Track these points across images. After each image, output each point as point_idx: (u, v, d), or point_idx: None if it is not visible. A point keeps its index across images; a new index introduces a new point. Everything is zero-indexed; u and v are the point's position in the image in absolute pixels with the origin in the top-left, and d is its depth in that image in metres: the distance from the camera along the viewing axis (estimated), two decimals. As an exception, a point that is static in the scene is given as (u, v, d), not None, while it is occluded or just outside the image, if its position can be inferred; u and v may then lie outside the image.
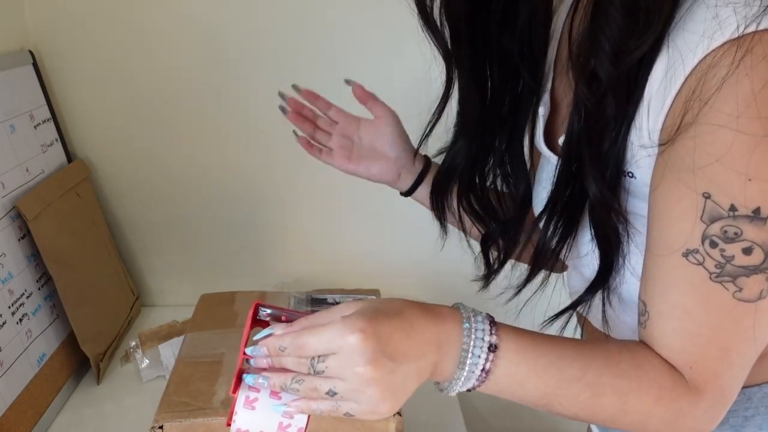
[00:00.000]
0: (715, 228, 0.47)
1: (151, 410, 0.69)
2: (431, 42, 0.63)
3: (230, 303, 0.91)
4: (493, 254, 0.75)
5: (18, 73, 1.09)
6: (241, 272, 1.33)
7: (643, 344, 0.55)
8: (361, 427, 0.67)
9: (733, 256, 0.47)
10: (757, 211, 0.45)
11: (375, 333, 0.48)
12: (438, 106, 0.67)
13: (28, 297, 1.00)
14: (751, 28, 0.43)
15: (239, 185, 1.26)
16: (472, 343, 0.52)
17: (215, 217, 1.29)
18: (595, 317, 0.67)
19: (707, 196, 0.47)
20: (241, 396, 0.54)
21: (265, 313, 0.56)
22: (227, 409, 0.68)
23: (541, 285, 0.67)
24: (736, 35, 0.43)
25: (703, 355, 0.51)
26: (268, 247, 1.31)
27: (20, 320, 0.97)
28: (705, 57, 0.45)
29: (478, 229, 0.76)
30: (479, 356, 0.52)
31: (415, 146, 0.79)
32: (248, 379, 0.53)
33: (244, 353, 0.53)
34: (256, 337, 0.54)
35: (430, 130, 0.69)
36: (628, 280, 0.59)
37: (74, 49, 1.16)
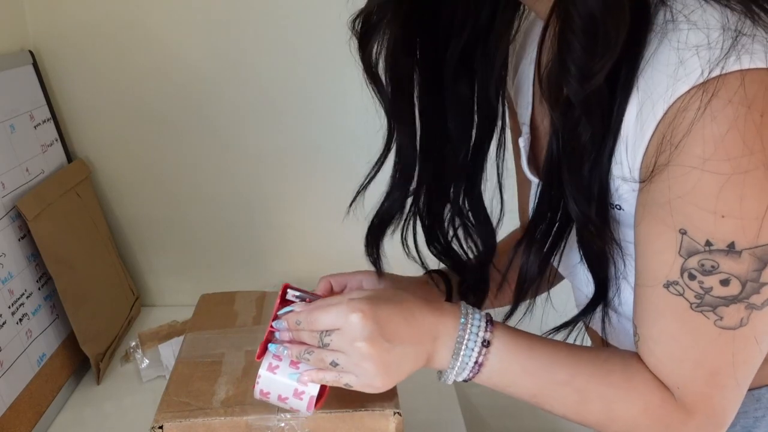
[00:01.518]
0: (693, 262, 0.49)
1: (151, 410, 0.69)
2: (375, 96, 0.65)
3: (230, 303, 0.91)
4: (470, 299, 0.77)
5: (18, 73, 1.09)
6: (241, 272, 1.33)
7: (638, 358, 0.56)
8: (361, 426, 0.67)
9: (712, 288, 0.49)
10: (731, 245, 0.47)
11: (374, 314, 0.56)
12: (379, 157, 0.69)
13: (28, 297, 1.00)
14: (715, 73, 0.44)
15: (239, 185, 1.26)
16: (467, 336, 0.57)
17: (215, 217, 1.29)
18: (599, 328, 0.68)
19: (683, 232, 0.48)
20: (265, 362, 0.64)
21: (292, 294, 0.66)
22: (227, 409, 0.68)
23: (526, 310, 0.68)
24: (701, 80, 0.44)
25: (691, 377, 0.53)
26: (268, 247, 1.31)
27: (20, 320, 0.97)
28: (673, 103, 0.46)
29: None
30: (473, 349, 0.57)
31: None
32: (272, 347, 0.63)
33: (271, 326, 0.64)
34: (279, 313, 0.64)
35: (367, 184, 0.70)
36: (628, 300, 0.60)
37: (74, 49, 1.16)
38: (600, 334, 0.67)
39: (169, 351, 1.09)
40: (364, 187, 0.71)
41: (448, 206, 0.73)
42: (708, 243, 0.47)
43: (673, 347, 0.53)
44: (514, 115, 0.75)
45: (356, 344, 0.56)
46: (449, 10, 0.64)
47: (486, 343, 0.57)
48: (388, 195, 0.71)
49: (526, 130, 0.68)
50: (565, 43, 0.49)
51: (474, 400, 1.46)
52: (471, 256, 0.75)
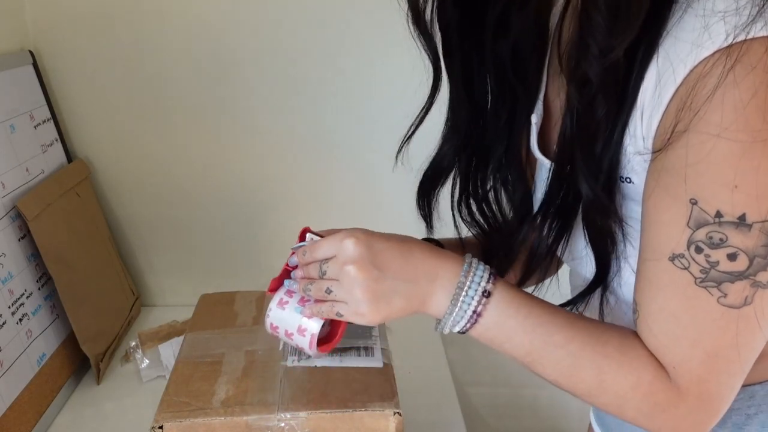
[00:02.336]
0: (701, 234, 0.48)
1: (151, 410, 0.69)
2: (421, 47, 0.63)
3: (230, 303, 0.91)
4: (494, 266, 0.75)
5: (18, 73, 1.09)
6: (241, 272, 1.33)
7: (636, 335, 0.56)
8: (361, 426, 0.67)
9: (718, 262, 0.48)
10: (742, 217, 0.46)
11: (367, 242, 0.57)
12: (422, 110, 0.67)
13: (28, 297, 1.00)
14: (741, 38, 0.43)
15: (239, 185, 1.27)
16: (468, 283, 0.57)
17: (215, 217, 1.29)
18: (595, 314, 0.67)
19: (694, 203, 0.48)
20: (276, 297, 0.67)
21: (310, 237, 0.66)
22: (227, 409, 0.68)
23: (534, 289, 0.68)
24: (725, 45, 0.44)
25: (687, 357, 0.52)
26: (268, 247, 1.31)
27: (20, 320, 0.97)
28: (695, 66, 0.45)
29: (475, 238, 0.76)
30: (473, 297, 0.56)
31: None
32: (286, 282, 0.67)
33: (287, 265, 0.66)
34: (291, 247, 0.65)
35: (411, 134, 0.69)
36: (628, 281, 0.60)
37: (74, 49, 1.16)
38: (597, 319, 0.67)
39: (169, 351, 1.09)
40: (406, 139, 0.69)
41: (485, 170, 0.71)
42: (718, 214, 0.47)
43: (672, 324, 0.52)
44: None
45: (346, 267, 0.57)
46: None
47: (486, 294, 0.56)
48: (440, 149, 0.70)
49: (539, 105, 0.67)
50: (586, 19, 0.49)
51: (474, 400, 1.46)
52: (502, 220, 0.73)
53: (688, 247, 0.49)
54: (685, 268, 0.49)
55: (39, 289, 1.03)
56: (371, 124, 1.23)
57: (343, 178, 1.27)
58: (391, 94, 1.20)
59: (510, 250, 0.72)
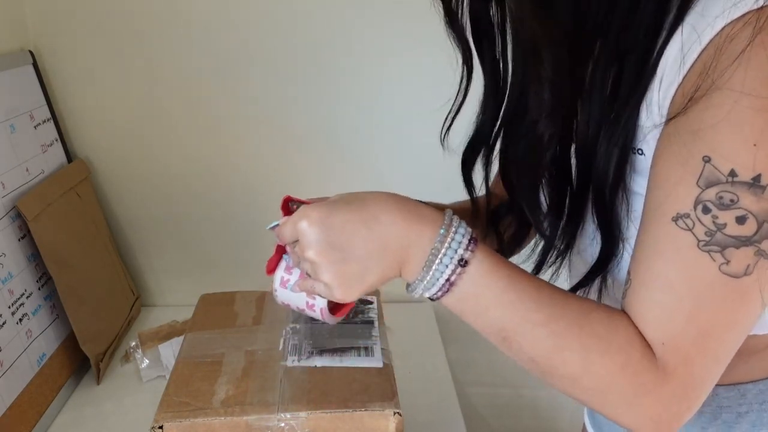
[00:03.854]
0: (711, 193, 0.46)
1: (151, 410, 0.69)
2: (452, 39, 0.62)
3: (230, 303, 0.91)
4: (508, 232, 0.72)
5: (18, 73, 1.09)
6: (241, 272, 1.33)
7: (623, 312, 0.52)
8: (360, 426, 0.67)
9: (725, 224, 0.46)
10: (757, 178, 0.45)
11: (322, 222, 0.52)
12: (457, 98, 0.66)
13: (28, 297, 1.00)
14: None
15: (239, 185, 1.27)
16: (443, 251, 0.51)
17: (215, 217, 1.29)
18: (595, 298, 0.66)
19: (707, 160, 0.46)
20: (277, 277, 0.65)
21: (293, 206, 0.65)
22: (227, 409, 0.68)
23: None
24: (756, 6, 0.43)
25: (679, 332, 0.49)
26: (268, 247, 1.31)
27: (20, 320, 0.97)
28: (724, 28, 0.45)
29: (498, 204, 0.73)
30: (447, 266, 0.51)
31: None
32: (285, 258, 0.65)
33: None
34: (267, 227, 0.64)
35: (451, 124, 0.67)
36: (627, 264, 0.58)
37: (74, 49, 1.16)
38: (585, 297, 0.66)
39: (169, 351, 1.09)
40: (448, 127, 0.67)
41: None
42: (732, 173, 0.45)
43: (667, 294, 0.49)
44: None
45: (307, 254, 0.53)
46: None
47: (463, 262, 0.51)
48: (480, 123, 0.67)
49: None
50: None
51: (474, 400, 1.46)
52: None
53: (695, 207, 0.47)
54: (689, 229, 0.47)
55: (39, 289, 1.03)
56: (376, 125, 1.23)
57: (346, 179, 1.27)
58: (397, 95, 1.20)
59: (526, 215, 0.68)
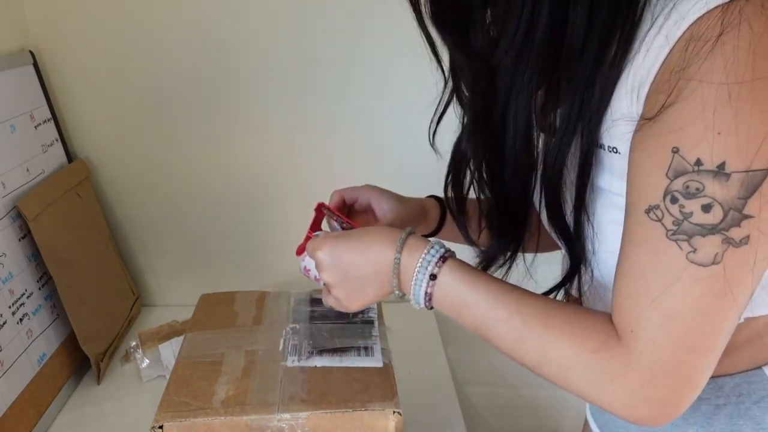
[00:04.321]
0: (678, 183, 0.47)
1: (151, 410, 0.69)
2: (431, 53, 0.65)
3: (230, 303, 0.91)
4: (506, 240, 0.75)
5: (18, 73, 1.09)
6: (241, 272, 1.33)
7: (588, 311, 0.57)
8: (361, 426, 0.67)
9: (692, 213, 0.47)
10: (721, 166, 0.46)
11: (330, 251, 0.66)
12: (441, 101, 0.69)
13: (28, 297, 1.00)
14: None
15: (239, 185, 1.27)
16: (418, 269, 0.62)
17: (215, 217, 1.29)
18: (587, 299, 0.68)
19: (675, 151, 0.47)
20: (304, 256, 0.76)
21: (325, 210, 0.78)
22: (227, 409, 0.68)
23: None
24: (722, 2, 0.45)
25: (644, 318, 0.50)
26: (268, 247, 1.32)
27: (21, 320, 0.97)
28: (691, 26, 0.46)
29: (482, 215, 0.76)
30: (422, 281, 0.62)
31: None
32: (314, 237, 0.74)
33: (310, 232, 0.78)
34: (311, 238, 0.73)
35: (436, 127, 0.70)
36: (607, 262, 0.59)
37: (74, 49, 1.16)
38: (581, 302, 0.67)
39: (169, 351, 1.09)
40: (433, 134, 0.71)
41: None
42: (698, 162, 0.46)
43: (638, 282, 0.51)
44: None
45: (322, 274, 0.67)
46: None
47: (433, 277, 0.61)
48: (458, 142, 0.70)
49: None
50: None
51: (474, 400, 1.46)
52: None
53: (664, 198, 0.48)
54: (659, 220, 0.49)
55: (39, 289, 1.03)
56: (376, 126, 1.23)
57: (346, 179, 1.27)
58: (398, 94, 1.20)
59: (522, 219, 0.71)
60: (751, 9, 0.44)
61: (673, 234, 0.48)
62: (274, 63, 1.18)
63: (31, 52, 1.13)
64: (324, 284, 0.69)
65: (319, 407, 0.68)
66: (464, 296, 0.61)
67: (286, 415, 0.67)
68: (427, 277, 0.62)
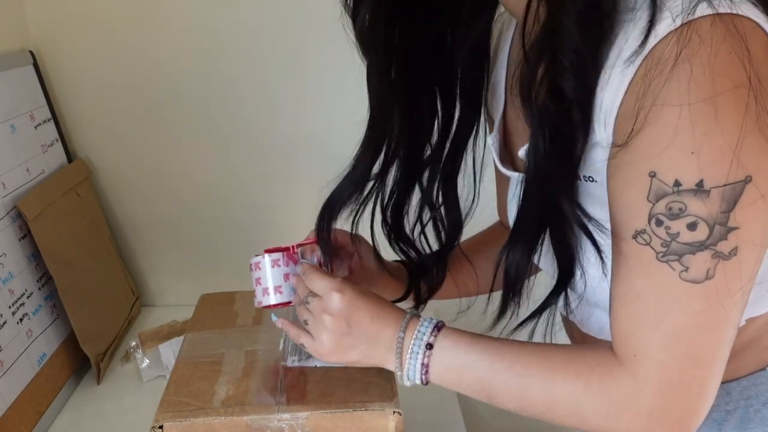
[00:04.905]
0: (661, 206, 0.48)
1: (151, 410, 0.69)
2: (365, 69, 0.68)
3: (230, 303, 0.91)
4: (423, 286, 0.80)
5: (18, 73, 1.09)
6: (241, 272, 1.32)
7: (584, 348, 0.58)
8: (361, 426, 0.67)
9: (678, 233, 0.48)
10: (700, 184, 0.46)
11: (350, 301, 0.64)
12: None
13: (28, 297, 1.00)
14: (686, 19, 0.45)
15: (239, 185, 1.27)
16: (414, 342, 0.63)
17: (215, 217, 1.29)
18: (576, 320, 0.69)
19: (653, 175, 0.48)
20: (273, 256, 0.76)
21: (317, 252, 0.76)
22: (227, 409, 0.68)
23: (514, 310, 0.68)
24: (674, 27, 0.46)
25: (648, 341, 0.51)
26: (268, 247, 1.31)
27: (21, 320, 0.97)
28: (649, 52, 0.47)
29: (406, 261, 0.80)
30: (418, 353, 0.62)
31: None
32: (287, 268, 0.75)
33: (293, 249, 0.76)
34: (301, 261, 0.75)
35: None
36: (595, 282, 0.60)
37: (74, 49, 1.16)
38: (578, 325, 0.68)
39: (169, 351, 1.09)
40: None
41: (413, 194, 0.75)
42: (677, 183, 0.47)
43: (636, 306, 0.51)
44: (490, 118, 0.76)
45: (324, 315, 0.64)
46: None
47: (429, 346, 0.62)
48: (351, 171, 0.74)
49: (496, 128, 0.69)
50: (557, 32, 0.50)
51: (474, 400, 1.46)
52: (433, 243, 0.77)
53: (649, 221, 0.49)
54: (647, 244, 0.49)
55: (39, 289, 1.03)
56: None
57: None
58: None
59: (440, 272, 0.78)
60: (705, 27, 0.45)
61: (663, 256, 0.49)
62: (274, 63, 1.18)
63: (31, 52, 1.13)
64: (307, 323, 0.67)
65: (319, 407, 0.68)
66: (462, 357, 0.61)
67: (286, 415, 0.67)
68: (423, 347, 0.62)
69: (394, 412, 0.67)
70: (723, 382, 0.61)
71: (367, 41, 0.65)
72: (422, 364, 0.62)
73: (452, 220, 0.76)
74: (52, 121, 1.15)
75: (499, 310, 0.65)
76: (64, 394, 1.05)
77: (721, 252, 0.48)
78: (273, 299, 0.74)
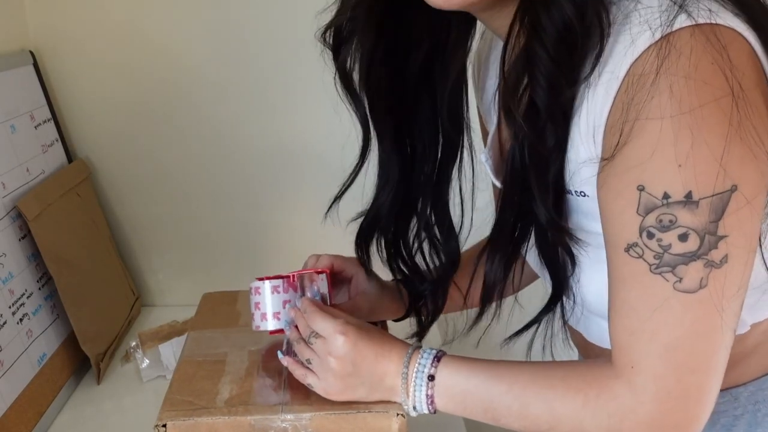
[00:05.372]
0: (651, 218, 0.49)
1: (151, 410, 0.69)
2: (350, 107, 0.71)
3: (233, 302, 0.91)
4: (424, 311, 0.82)
5: (18, 74, 1.08)
6: (242, 272, 1.32)
7: (581, 364, 0.59)
8: (364, 427, 0.67)
9: (670, 245, 0.49)
10: (689, 195, 0.47)
11: (354, 343, 0.65)
12: (354, 168, 0.74)
13: (28, 297, 1.00)
14: (666, 32, 0.46)
15: (239, 185, 1.27)
16: (416, 375, 0.65)
17: (215, 217, 1.29)
18: (586, 329, 0.70)
19: (641, 189, 0.48)
20: (273, 282, 0.77)
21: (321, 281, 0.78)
22: (231, 408, 0.68)
23: (494, 316, 0.70)
24: (654, 40, 0.46)
25: (645, 352, 0.52)
26: (269, 247, 1.31)
27: (21, 320, 0.97)
28: (630, 67, 0.47)
29: (409, 286, 0.81)
30: (422, 385, 0.64)
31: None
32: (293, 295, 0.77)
33: (293, 278, 0.78)
34: (305, 297, 0.75)
35: (343, 192, 0.76)
36: (592, 288, 0.61)
37: (74, 49, 1.16)
38: (589, 338, 0.69)
39: (169, 351, 1.09)
40: (338, 196, 0.75)
41: (413, 220, 0.77)
42: (666, 195, 0.48)
43: (632, 318, 0.52)
44: (486, 132, 0.77)
45: (329, 357, 0.66)
46: (409, 24, 0.68)
47: (431, 378, 0.64)
48: (375, 200, 0.75)
49: (488, 144, 0.70)
50: (533, 56, 0.51)
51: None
52: (432, 269, 0.79)
53: (641, 234, 0.49)
54: (640, 257, 0.50)
55: (39, 289, 1.03)
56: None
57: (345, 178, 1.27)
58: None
59: (442, 299, 0.79)
60: (684, 39, 0.46)
61: (656, 268, 0.50)
62: (275, 64, 1.18)
63: (31, 52, 1.13)
64: (310, 362, 0.68)
65: (322, 408, 0.68)
66: (464, 384, 0.63)
67: (290, 416, 0.67)
68: (425, 379, 0.64)
69: (397, 415, 0.67)
70: (730, 388, 0.63)
71: (350, 84, 0.69)
72: (427, 395, 0.64)
73: (449, 249, 0.77)
74: (52, 121, 1.15)
75: (475, 317, 0.68)
76: (64, 394, 1.05)
77: (713, 261, 0.48)
78: (271, 325, 0.76)
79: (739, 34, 0.46)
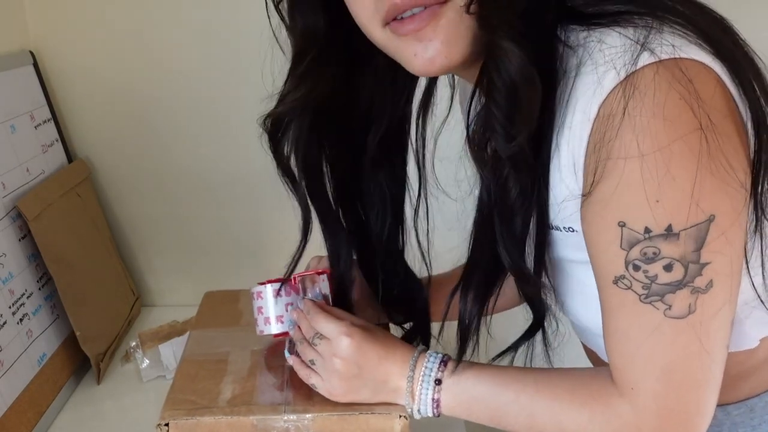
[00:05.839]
0: (635, 252, 0.50)
1: (151, 410, 0.69)
2: (289, 191, 0.75)
3: (235, 301, 0.91)
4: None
5: (18, 74, 1.08)
6: (242, 272, 1.33)
7: (586, 373, 0.60)
8: (366, 429, 0.67)
9: (656, 275, 0.50)
10: (669, 228, 0.48)
11: (358, 345, 0.66)
12: (298, 248, 0.77)
13: (28, 297, 0.99)
14: (630, 70, 0.47)
15: (239, 184, 1.26)
16: (423, 379, 0.65)
17: (216, 217, 1.29)
18: (586, 342, 0.72)
19: (622, 225, 0.50)
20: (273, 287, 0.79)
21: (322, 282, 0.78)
22: (233, 408, 0.68)
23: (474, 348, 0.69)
24: (617, 81, 0.47)
25: (642, 375, 0.54)
26: (269, 247, 1.31)
27: (21, 320, 0.96)
28: (600, 107, 0.48)
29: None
30: (428, 389, 0.65)
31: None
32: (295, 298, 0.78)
33: (294, 280, 0.78)
34: (306, 297, 0.76)
35: (293, 269, 0.78)
36: (579, 309, 0.62)
37: (74, 49, 1.16)
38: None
39: (169, 351, 1.09)
40: (288, 275, 0.78)
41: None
42: (647, 230, 0.49)
43: (626, 344, 0.54)
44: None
45: (334, 359, 0.66)
46: (366, 103, 0.71)
47: (438, 382, 0.65)
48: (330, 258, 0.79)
49: None
50: (490, 108, 0.52)
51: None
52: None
53: (627, 267, 0.51)
54: (629, 288, 0.51)
55: (39, 289, 1.03)
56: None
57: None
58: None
59: (424, 328, 0.81)
60: (648, 77, 0.46)
61: (646, 297, 0.51)
62: (275, 63, 1.18)
63: (31, 52, 1.13)
64: (314, 363, 0.68)
65: (324, 409, 0.68)
66: (471, 391, 0.63)
67: (292, 416, 0.67)
68: (432, 383, 0.65)
69: (400, 416, 0.67)
70: (745, 400, 0.64)
71: (303, 162, 0.74)
72: (432, 399, 0.65)
73: (413, 291, 0.80)
74: (52, 121, 1.15)
75: (457, 353, 0.66)
76: (64, 394, 1.05)
77: (698, 287, 0.50)
78: (275, 329, 0.76)
79: (705, 65, 0.47)
